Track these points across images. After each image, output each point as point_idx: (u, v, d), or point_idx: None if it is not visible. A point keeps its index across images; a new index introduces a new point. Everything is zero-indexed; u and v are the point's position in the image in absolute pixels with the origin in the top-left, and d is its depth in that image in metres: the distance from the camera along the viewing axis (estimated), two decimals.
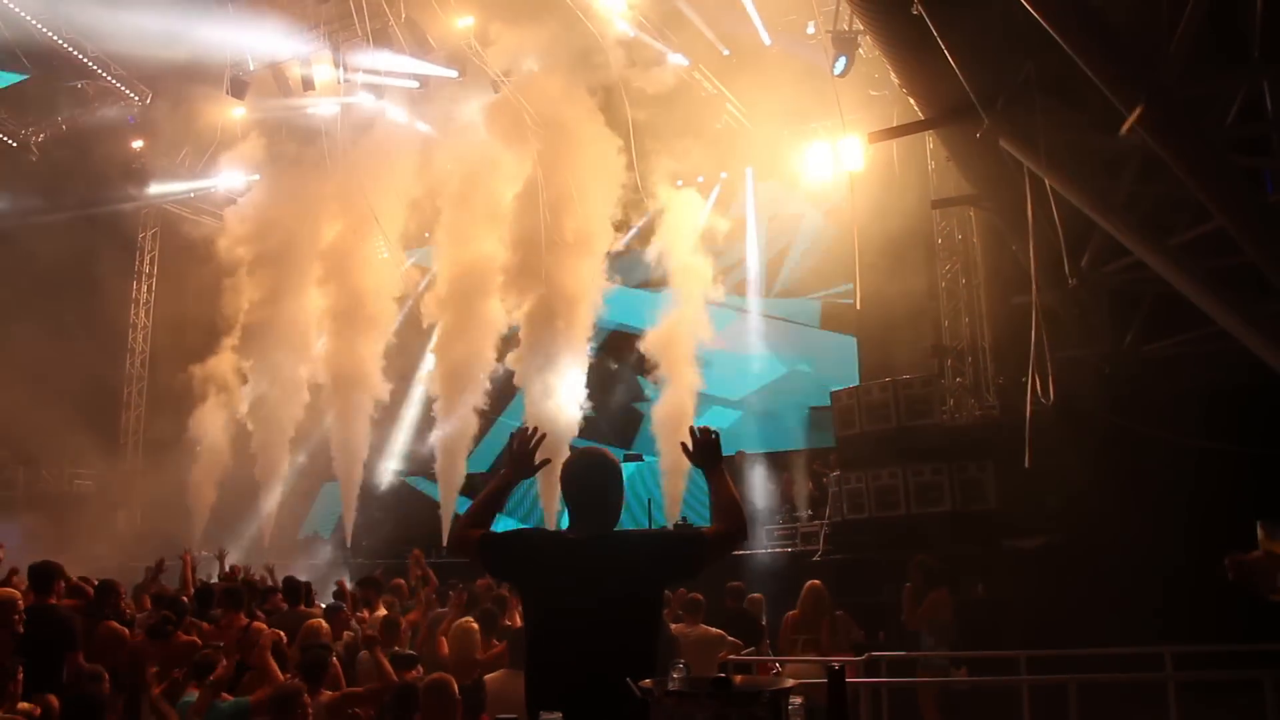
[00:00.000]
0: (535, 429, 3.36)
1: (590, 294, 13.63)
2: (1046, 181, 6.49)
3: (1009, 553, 9.17)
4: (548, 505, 13.52)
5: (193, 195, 17.29)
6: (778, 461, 13.86)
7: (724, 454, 3.37)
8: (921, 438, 10.26)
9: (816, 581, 7.60)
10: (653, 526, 12.84)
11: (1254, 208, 5.34)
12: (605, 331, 15.40)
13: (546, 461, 3.36)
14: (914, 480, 9.94)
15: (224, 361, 15.70)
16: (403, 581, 8.97)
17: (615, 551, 3.10)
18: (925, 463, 9.94)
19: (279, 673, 5.15)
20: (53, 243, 13.94)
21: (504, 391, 14.63)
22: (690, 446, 3.28)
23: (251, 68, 13.36)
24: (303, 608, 7.30)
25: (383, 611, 7.21)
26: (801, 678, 2.93)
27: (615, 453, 3.41)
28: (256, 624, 6.30)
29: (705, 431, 3.28)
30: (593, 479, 3.22)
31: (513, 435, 3.37)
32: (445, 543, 13.75)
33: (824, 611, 7.36)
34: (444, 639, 6.57)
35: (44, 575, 5.67)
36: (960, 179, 10.01)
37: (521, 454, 3.31)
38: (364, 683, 5.39)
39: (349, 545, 14.96)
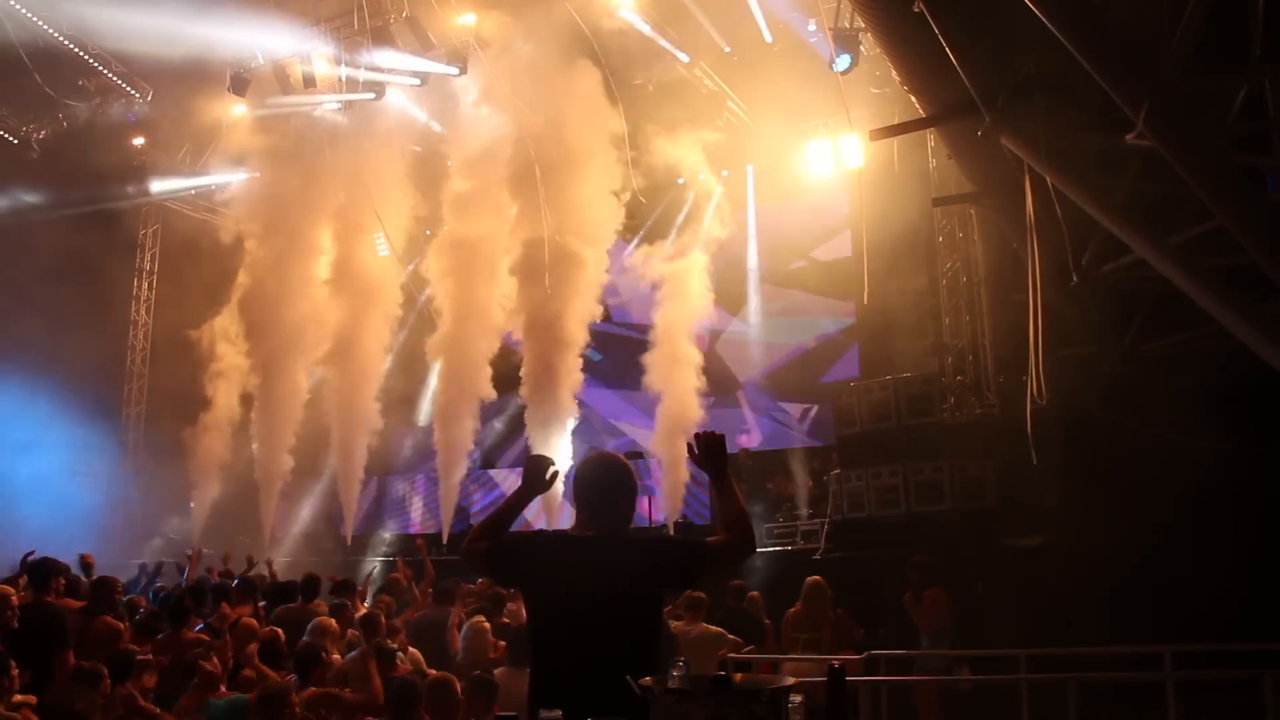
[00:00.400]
0: (550, 462, 3.33)
1: (591, 290, 13.57)
2: (1048, 179, 6.48)
3: (1009, 551, 9.17)
4: (548, 506, 13.49)
5: (194, 192, 17.25)
6: (778, 459, 13.83)
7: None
8: (922, 436, 10.24)
9: (818, 577, 7.61)
10: (652, 525, 12.84)
11: (1255, 206, 5.34)
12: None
13: (556, 473, 3.34)
14: (914, 479, 9.91)
15: (224, 358, 15.68)
16: (399, 577, 8.98)
17: (617, 555, 3.12)
18: (926, 461, 9.93)
19: (266, 670, 5.14)
20: (53, 240, 13.90)
21: (504, 388, 14.58)
22: (696, 449, 3.26)
23: (253, 64, 13.35)
24: (314, 604, 7.30)
25: (362, 610, 7.23)
26: (802, 675, 2.93)
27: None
28: (246, 619, 6.30)
29: (710, 435, 3.27)
30: (605, 483, 3.25)
31: (528, 460, 3.35)
32: (444, 539, 13.77)
33: (825, 607, 7.36)
34: (456, 634, 6.62)
35: (42, 572, 5.68)
36: (961, 177, 9.99)
37: (535, 478, 3.29)
38: (349, 683, 5.37)
39: (349, 544, 14.97)
